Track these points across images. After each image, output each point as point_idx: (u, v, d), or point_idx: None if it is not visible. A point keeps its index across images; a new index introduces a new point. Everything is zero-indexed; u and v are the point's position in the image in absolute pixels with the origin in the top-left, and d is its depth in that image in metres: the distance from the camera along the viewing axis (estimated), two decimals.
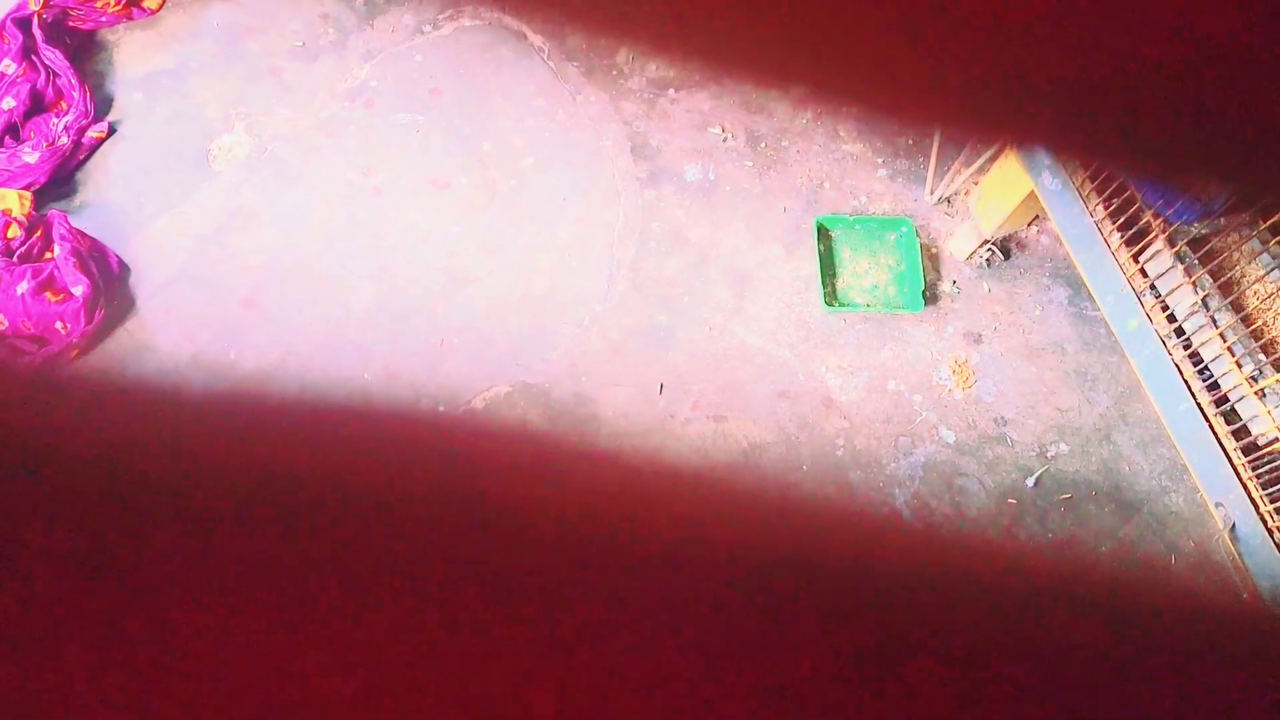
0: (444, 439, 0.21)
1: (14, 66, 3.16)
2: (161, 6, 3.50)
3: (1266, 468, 2.24)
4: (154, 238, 3.10)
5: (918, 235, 3.31)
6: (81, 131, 3.17)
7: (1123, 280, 2.53)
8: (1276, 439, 2.19)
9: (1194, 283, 2.36)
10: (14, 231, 2.88)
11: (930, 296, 3.26)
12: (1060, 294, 3.33)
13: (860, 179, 3.49)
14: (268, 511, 0.18)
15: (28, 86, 3.15)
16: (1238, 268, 2.42)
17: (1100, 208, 2.59)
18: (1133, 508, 3.01)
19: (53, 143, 3.10)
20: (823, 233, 3.33)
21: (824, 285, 3.22)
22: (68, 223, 2.95)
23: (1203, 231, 2.44)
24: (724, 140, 3.50)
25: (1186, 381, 2.39)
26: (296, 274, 3.10)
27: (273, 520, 0.18)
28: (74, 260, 2.84)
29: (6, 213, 2.91)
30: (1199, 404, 2.36)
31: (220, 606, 0.17)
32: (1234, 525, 2.29)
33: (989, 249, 3.29)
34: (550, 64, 3.57)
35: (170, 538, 0.17)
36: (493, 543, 0.19)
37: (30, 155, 3.05)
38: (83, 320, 2.83)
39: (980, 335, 3.24)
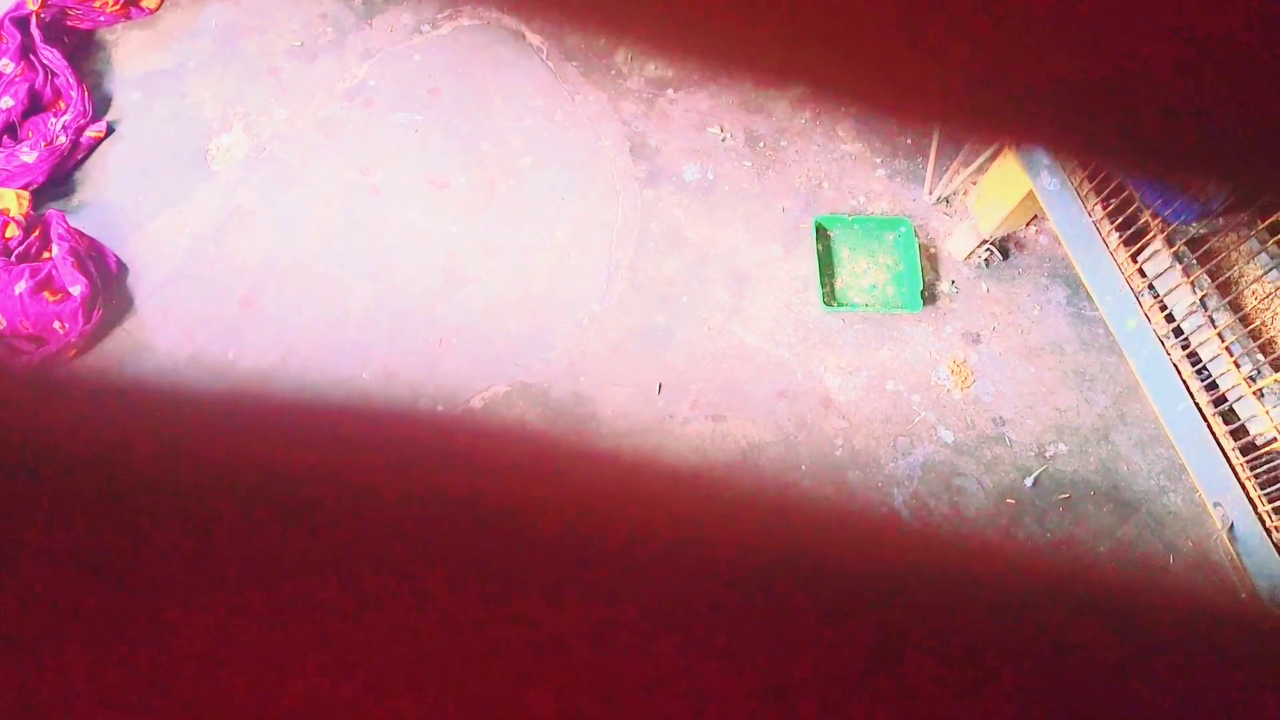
0: (442, 439, 0.21)
1: (12, 66, 3.16)
2: (160, 6, 3.50)
3: (1264, 468, 2.24)
4: (152, 237, 3.10)
5: (916, 235, 3.32)
6: (79, 131, 3.17)
7: (1121, 280, 2.53)
8: (1274, 439, 2.19)
9: (1192, 283, 2.37)
10: (12, 231, 2.88)
11: (929, 296, 3.27)
12: (1059, 294, 3.33)
13: (859, 179, 3.49)
14: (266, 511, 0.18)
15: (26, 86, 3.15)
16: (1236, 267, 2.42)
17: (1098, 208, 2.59)
18: (1131, 507, 3.01)
19: (51, 142, 3.09)
20: (821, 232, 3.33)
21: (822, 285, 3.22)
22: (66, 222, 2.95)
23: (1201, 231, 2.45)
24: (723, 140, 3.50)
25: (1185, 381, 2.39)
26: (295, 273, 3.10)
27: (271, 520, 0.18)
28: (72, 260, 2.84)
29: (4, 212, 2.90)
30: (1197, 404, 2.37)
31: (220, 606, 0.17)
32: (1232, 525, 2.29)
33: (987, 249, 3.29)
34: (549, 64, 3.57)
35: (169, 537, 0.17)
36: (491, 542, 0.19)
37: (28, 155, 3.05)
38: (81, 320, 2.83)
39: (979, 335, 3.24)
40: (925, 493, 2.98)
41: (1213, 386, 2.35)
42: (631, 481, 0.21)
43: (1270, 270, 2.34)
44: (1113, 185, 2.55)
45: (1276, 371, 2.24)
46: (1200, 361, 2.37)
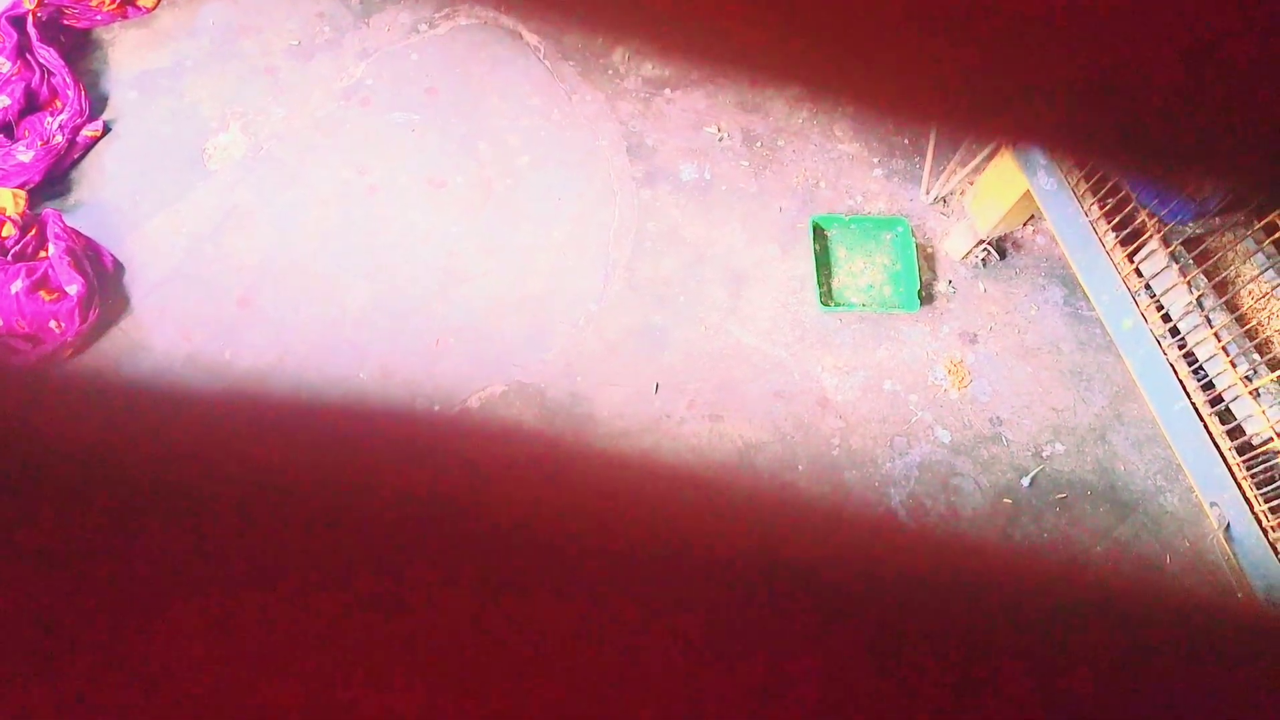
0: (439, 438, 0.21)
1: (8, 65, 3.15)
2: (156, 5, 3.50)
3: (1261, 468, 2.25)
4: (149, 237, 3.10)
5: (913, 235, 3.32)
6: (76, 130, 3.16)
7: (1118, 280, 2.54)
8: (1271, 439, 2.20)
9: (1189, 282, 2.37)
10: (8, 230, 2.87)
11: (926, 296, 3.27)
12: (1055, 294, 3.34)
13: (856, 178, 3.50)
14: (263, 512, 0.18)
15: (22, 85, 3.14)
16: (1232, 267, 2.43)
17: (1095, 208, 2.59)
18: (1128, 507, 3.02)
19: (47, 141, 3.09)
20: (818, 232, 3.33)
21: (819, 285, 3.22)
22: (62, 221, 2.94)
23: (1197, 231, 2.45)
24: (720, 140, 3.50)
25: (1181, 381, 2.40)
26: (292, 273, 3.10)
27: (269, 520, 0.18)
28: (68, 259, 2.84)
29: (1, 211, 2.90)
30: (1194, 404, 2.37)
31: (217, 607, 0.17)
32: (1229, 525, 2.29)
33: (984, 249, 3.29)
34: (546, 63, 3.57)
35: (166, 538, 0.17)
36: (488, 542, 0.19)
37: (25, 154, 3.05)
38: (77, 319, 2.83)
39: (976, 335, 3.24)
40: (922, 492, 2.98)
41: (1209, 386, 2.36)
42: (628, 481, 0.21)
43: (1266, 270, 2.35)
44: (1109, 185, 2.56)
45: (1273, 371, 2.25)
46: (1197, 361, 2.38)
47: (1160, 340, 2.44)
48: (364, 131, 3.37)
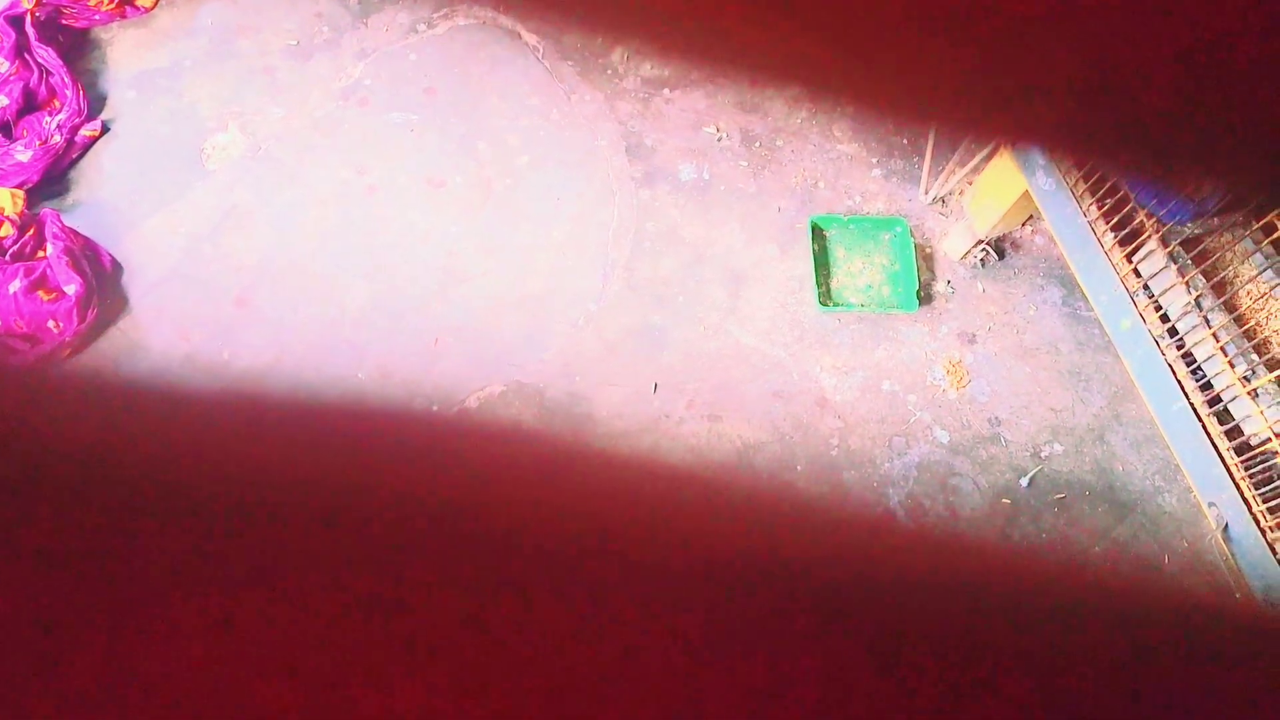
0: (437, 438, 0.21)
1: (6, 65, 3.15)
2: (155, 5, 3.49)
3: (1259, 468, 2.25)
4: (147, 237, 3.10)
5: (912, 235, 3.32)
6: (74, 130, 3.16)
7: (1116, 280, 2.54)
8: (1269, 439, 2.20)
9: (1187, 283, 2.37)
10: (6, 230, 2.87)
11: (924, 296, 3.27)
12: (1054, 294, 3.34)
13: (855, 179, 3.50)
14: (261, 512, 0.18)
15: (20, 85, 3.14)
16: (1231, 268, 2.43)
17: (1094, 208, 2.59)
18: (1126, 508, 3.02)
19: (45, 141, 3.09)
20: (817, 232, 3.33)
21: (818, 285, 3.22)
22: (60, 221, 2.94)
23: (1196, 232, 2.45)
24: (719, 140, 3.50)
25: (1179, 382, 2.40)
26: (291, 273, 3.09)
27: (267, 520, 0.18)
28: (66, 259, 2.84)
29: None
30: (1192, 404, 2.37)
31: (216, 607, 0.17)
32: (1227, 525, 2.30)
33: (983, 249, 3.29)
34: (545, 63, 3.57)
35: (164, 538, 0.17)
36: (486, 542, 0.19)
37: (23, 154, 3.04)
38: (75, 319, 2.82)
39: (974, 335, 3.24)
40: (921, 493, 2.98)
41: (1207, 387, 2.36)
42: (627, 481, 0.21)
43: (1265, 270, 2.35)
44: (1108, 186, 2.56)
45: (1271, 371, 2.25)
46: (1195, 362, 2.38)
47: (1158, 340, 2.44)
48: (362, 131, 3.37)
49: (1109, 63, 0.20)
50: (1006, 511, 2.99)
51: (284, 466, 0.19)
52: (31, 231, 2.89)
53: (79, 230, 2.98)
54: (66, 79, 3.20)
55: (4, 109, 3.11)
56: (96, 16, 3.38)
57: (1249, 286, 2.39)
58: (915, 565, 0.21)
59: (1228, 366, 2.28)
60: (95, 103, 3.29)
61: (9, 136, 3.10)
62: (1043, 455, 3.07)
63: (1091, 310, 2.82)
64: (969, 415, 3.11)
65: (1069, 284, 3.29)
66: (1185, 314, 2.38)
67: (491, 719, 0.17)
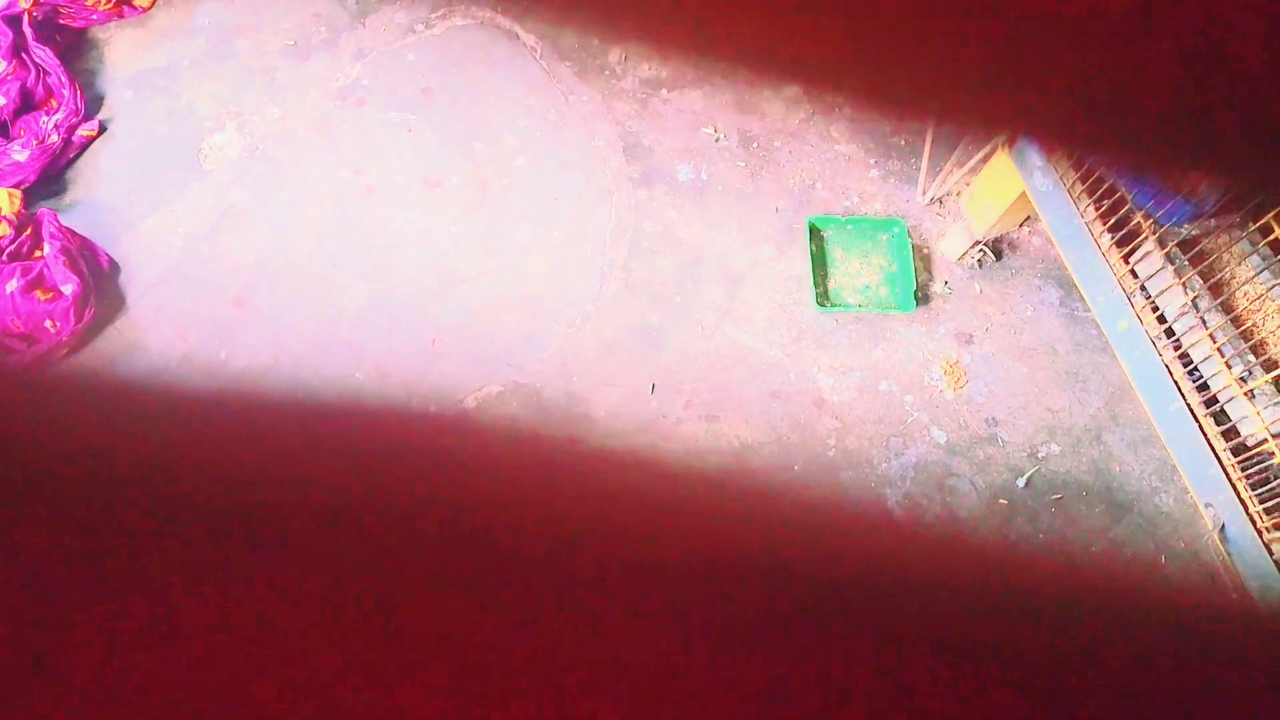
0: (435, 439, 0.21)
1: (3, 64, 3.14)
2: (152, 5, 3.49)
3: (1256, 468, 2.25)
4: (144, 236, 3.09)
5: (909, 236, 3.32)
6: (72, 130, 3.16)
7: (1113, 281, 2.54)
8: (1266, 440, 2.20)
9: (1184, 284, 2.37)
10: (3, 230, 2.86)
11: (922, 297, 3.27)
12: (1051, 295, 3.34)
13: (852, 179, 3.50)
14: (260, 512, 0.18)
15: (17, 84, 3.14)
16: (1227, 269, 2.43)
17: (1091, 209, 2.59)
18: (1123, 508, 3.02)
19: (42, 141, 3.08)
20: (815, 233, 3.33)
21: (816, 285, 3.22)
22: (57, 221, 2.93)
23: (1193, 233, 2.45)
24: (716, 140, 3.50)
25: (1176, 382, 2.40)
26: (288, 273, 3.09)
27: (265, 520, 0.18)
28: (64, 259, 2.83)
29: None
30: (1189, 405, 2.37)
31: (214, 607, 0.17)
32: (1223, 526, 2.30)
33: (980, 250, 3.30)
34: (542, 64, 3.57)
35: (163, 538, 0.17)
36: (485, 543, 0.19)
37: (20, 153, 3.04)
38: (72, 319, 2.82)
39: (971, 336, 3.25)
40: (918, 493, 2.98)
41: (1204, 387, 2.36)
42: (625, 482, 0.21)
43: (1262, 272, 2.35)
44: (1105, 187, 2.56)
45: (1268, 372, 2.25)
46: (1192, 363, 2.38)
47: (1156, 341, 2.44)
48: (360, 132, 3.37)
49: (1109, 61, 0.20)
50: (1004, 512, 2.99)
51: (282, 466, 0.19)
52: (29, 231, 2.89)
53: (76, 230, 2.98)
54: (64, 79, 3.20)
55: (1, 109, 3.10)
56: (94, 16, 3.38)
57: (1246, 288, 2.39)
58: (913, 565, 0.21)
59: (1224, 367, 2.29)
60: (92, 102, 3.29)
61: (6, 136, 3.10)
62: (1040, 456, 3.07)
63: (1089, 311, 2.82)
64: (966, 416, 3.11)
65: (1066, 285, 3.29)
66: (1182, 315, 2.39)
67: (491, 717, 0.17)
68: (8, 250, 2.83)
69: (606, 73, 3.58)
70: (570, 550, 0.19)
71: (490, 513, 0.19)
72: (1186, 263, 2.42)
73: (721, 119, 3.53)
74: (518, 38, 3.61)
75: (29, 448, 0.18)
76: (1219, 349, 2.30)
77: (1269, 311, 2.37)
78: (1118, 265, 2.53)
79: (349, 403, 0.20)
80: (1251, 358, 2.31)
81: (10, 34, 3.16)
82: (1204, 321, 2.34)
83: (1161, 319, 2.45)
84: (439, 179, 3.30)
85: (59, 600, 0.16)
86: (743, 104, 3.55)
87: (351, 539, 0.18)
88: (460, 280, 3.14)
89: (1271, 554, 2.22)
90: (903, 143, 3.57)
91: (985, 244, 3.29)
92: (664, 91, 3.57)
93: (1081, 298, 2.77)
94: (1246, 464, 2.27)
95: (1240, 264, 2.44)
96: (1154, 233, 2.43)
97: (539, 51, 3.59)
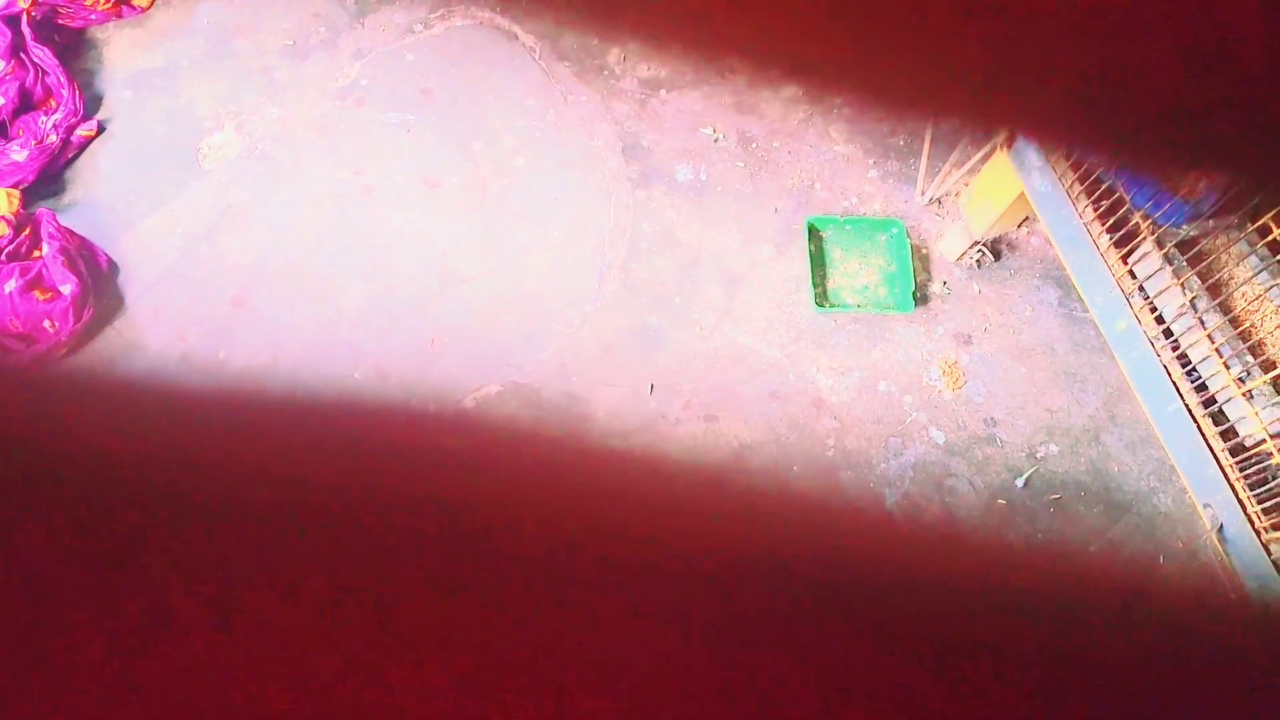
0: (434, 439, 0.21)
1: (2, 64, 3.14)
2: (151, 5, 3.49)
3: (1254, 469, 2.25)
4: (143, 236, 3.09)
5: (908, 236, 3.32)
6: (70, 130, 3.16)
7: (1112, 282, 2.54)
8: (1264, 440, 2.20)
9: (1182, 284, 2.37)
10: (2, 230, 2.86)
11: (920, 297, 3.27)
12: (1050, 295, 3.34)
13: (851, 180, 3.50)
14: (257, 511, 0.18)
15: (16, 84, 3.13)
16: (1226, 270, 2.43)
17: (1089, 209, 2.60)
18: (1122, 508, 3.02)
19: (41, 141, 3.08)
20: (813, 233, 3.34)
21: (815, 286, 3.22)
22: (56, 221, 2.93)
23: (1191, 234, 2.45)
24: (715, 141, 3.50)
25: (1175, 383, 2.40)
26: (287, 273, 3.09)
27: (263, 519, 0.18)
28: (62, 259, 2.83)
29: None
30: (1187, 405, 2.38)
31: (212, 605, 0.17)
32: (1221, 526, 2.30)
33: (979, 250, 3.30)
34: (541, 64, 3.57)
35: (160, 536, 0.17)
36: (484, 542, 0.19)
37: (18, 153, 3.04)
38: (71, 319, 2.82)
39: (970, 336, 3.25)
40: (917, 493, 2.99)
41: (1202, 388, 2.36)
42: (624, 482, 0.21)
43: (1260, 272, 2.35)
44: (1104, 188, 2.56)
45: (1266, 373, 2.25)
46: (1190, 363, 2.38)
47: (1154, 342, 2.44)
48: (359, 132, 3.36)
49: (1109, 61, 0.20)
50: (1002, 512, 2.99)
51: (281, 466, 0.19)
52: (27, 231, 2.89)
53: (75, 230, 2.98)
54: (62, 78, 3.20)
55: (0, 109, 3.10)
56: (93, 16, 3.38)
57: (1244, 288, 2.39)
58: (911, 565, 0.21)
59: (1223, 368, 2.29)
60: (91, 102, 3.29)
61: (5, 136, 3.10)
62: (1038, 456, 3.07)
63: (1087, 311, 2.82)
64: (965, 416, 3.11)
65: (1065, 285, 3.30)
66: (1180, 315, 2.39)
67: (491, 717, 0.17)
68: (6, 250, 2.83)
69: (605, 73, 3.58)
70: (569, 550, 0.19)
71: (489, 513, 0.19)
72: (1185, 263, 2.42)
73: (720, 119, 3.53)
74: (517, 38, 3.61)
75: (28, 448, 0.18)
76: (1217, 349, 2.31)
77: (1267, 312, 2.37)
78: (1116, 266, 2.53)
79: (348, 403, 0.20)
80: (1250, 358, 2.31)
81: (9, 34, 3.16)
82: (1202, 322, 2.34)
83: (1160, 319, 2.45)
84: (438, 179, 3.30)
85: (59, 600, 0.16)
86: (741, 104, 3.55)
87: (351, 539, 0.18)
88: (459, 280, 3.14)
89: (1269, 554, 2.22)
90: (901, 143, 3.57)
91: (984, 244, 3.30)
92: (663, 92, 3.57)
93: (1080, 298, 2.77)
94: (1245, 464, 2.27)
95: (1238, 264, 2.44)
96: (1152, 233, 2.43)
97: (538, 52, 3.58)
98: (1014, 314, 3.30)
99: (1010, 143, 2.82)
